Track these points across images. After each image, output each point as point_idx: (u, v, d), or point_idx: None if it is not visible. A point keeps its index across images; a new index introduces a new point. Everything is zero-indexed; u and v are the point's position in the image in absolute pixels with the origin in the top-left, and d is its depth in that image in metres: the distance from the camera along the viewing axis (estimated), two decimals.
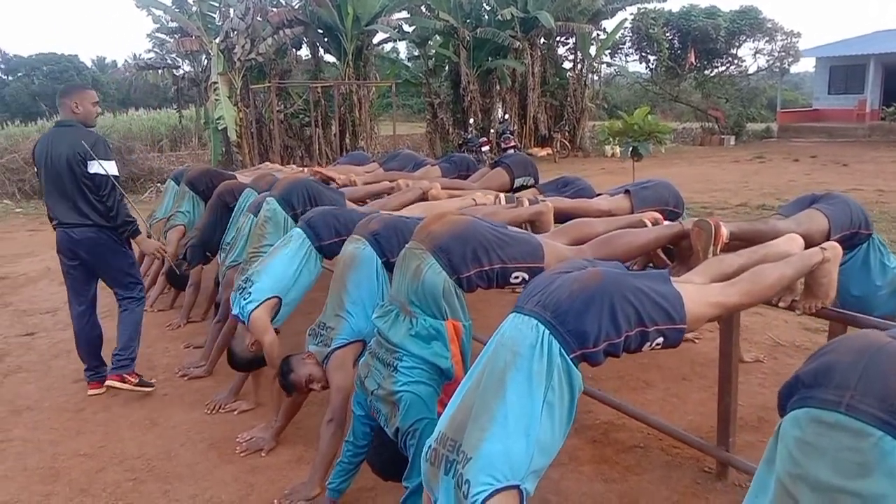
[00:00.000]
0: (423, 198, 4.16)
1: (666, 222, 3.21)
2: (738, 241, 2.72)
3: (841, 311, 2.69)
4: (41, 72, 39.89)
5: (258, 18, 16.50)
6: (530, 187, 4.79)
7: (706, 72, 26.45)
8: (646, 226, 3.10)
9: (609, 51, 24.32)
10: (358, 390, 2.83)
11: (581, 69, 22.03)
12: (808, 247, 2.55)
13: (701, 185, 13.44)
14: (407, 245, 2.77)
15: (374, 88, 19.36)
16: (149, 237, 4.86)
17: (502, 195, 3.99)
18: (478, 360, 2.06)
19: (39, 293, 7.30)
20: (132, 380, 4.46)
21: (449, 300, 2.60)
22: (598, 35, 21.97)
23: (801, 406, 1.38)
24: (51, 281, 7.67)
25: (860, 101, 25.24)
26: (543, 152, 20.55)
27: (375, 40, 19.59)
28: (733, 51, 25.98)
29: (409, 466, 2.53)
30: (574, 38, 21.64)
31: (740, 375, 3.70)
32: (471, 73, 19.76)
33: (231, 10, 16.54)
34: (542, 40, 21.02)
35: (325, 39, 18.70)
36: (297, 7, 18.10)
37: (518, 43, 19.33)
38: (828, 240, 2.75)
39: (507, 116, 20.60)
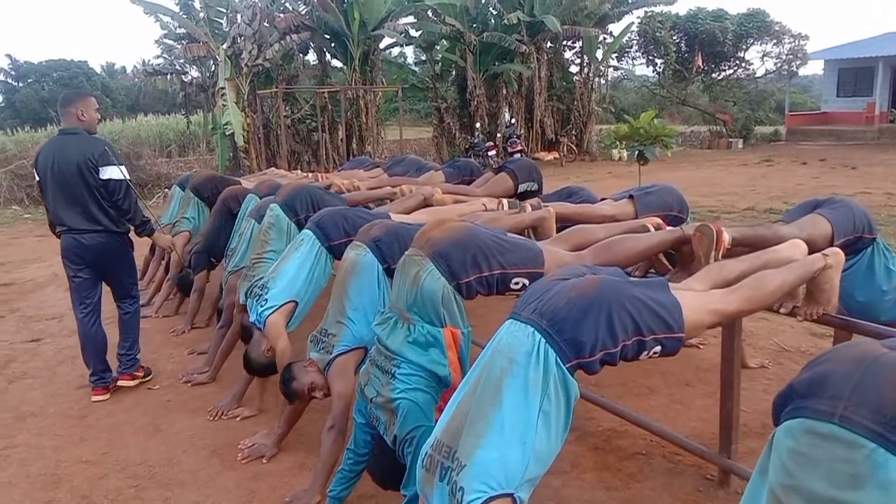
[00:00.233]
0: (425, 204, 4.15)
1: (669, 227, 3.19)
2: (741, 247, 2.70)
3: (842, 317, 2.66)
4: (51, 78, 40.11)
5: (265, 24, 16.57)
6: (534, 192, 4.78)
7: (714, 75, 26.41)
8: (648, 231, 3.09)
9: (616, 54, 24.31)
10: (358, 398, 2.82)
11: (588, 73, 22.00)
12: (811, 252, 2.53)
13: (708, 188, 13.39)
14: (406, 252, 2.76)
15: (380, 93, 19.39)
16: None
17: (505, 201, 3.98)
18: (474, 367, 2.05)
19: (46, 299, 7.33)
20: (139, 374, 4.71)
21: (448, 307, 2.59)
22: (604, 39, 21.94)
23: (795, 416, 1.36)
24: (58, 287, 7.71)
25: (869, 103, 25.11)
26: (550, 156, 20.55)
27: (382, 45, 19.62)
28: (741, 54, 25.94)
29: (406, 474, 2.52)
30: (580, 42, 21.61)
31: (745, 381, 3.69)
32: (477, 78, 19.76)
33: (238, 16, 16.61)
34: (549, 44, 20.98)
35: (332, 44, 18.75)
36: (303, 12, 18.16)
37: (524, 47, 19.30)
38: (831, 245, 2.73)
39: (513, 121, 20.61)
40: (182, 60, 18.30)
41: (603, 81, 23.54)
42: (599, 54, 21.99)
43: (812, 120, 27.16)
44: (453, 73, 21.16)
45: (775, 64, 26.09)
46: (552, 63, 21.38)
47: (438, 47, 20.90)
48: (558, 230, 3.36)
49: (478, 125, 19.99)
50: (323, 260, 3.68)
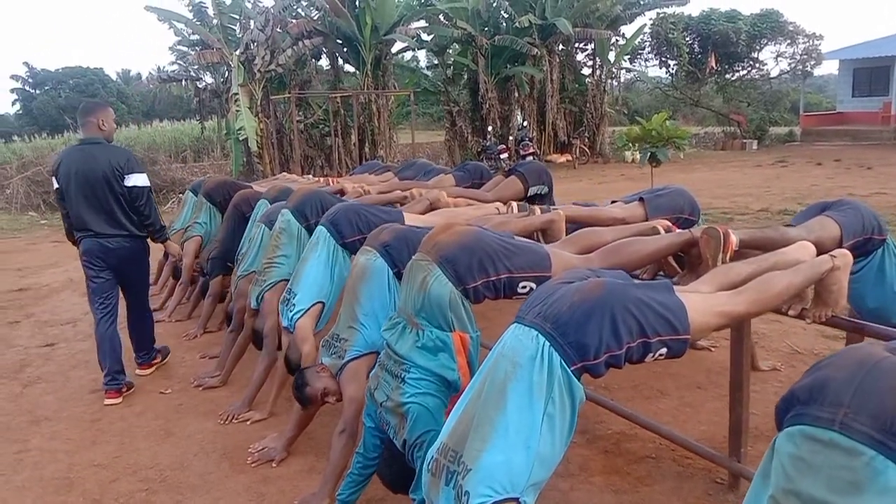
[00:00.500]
0: (431, 208, 4.16)
1: (678, 230, 3.17)
2: (749, 249, 2.69)
3: (851, 319, 2.65)
4: (67, 85, 40.57)
5: (278, 30, 16.65)
6: (545, 196, 4.77)
7: (727, 76, 26.25)
8: (657, 233, 3.07)
9: (628, 56, 24.22)
10: (368, 402, 2.83)
11: (600, 75, 21.95)
12: (820, 254, 2.51)
13: (722, 190, 13.31)
14: (413, 257, 2.77)
15: (393, 97, 19.43)
16: None
17: (514, 204, 3.98)
18: (479, 371, 2.06)
19: (61, 304, 7.40)
20: (157, 361, 5.10)
21: (456, 311, 2.59)
22: (616, 41, 21.90)
23: (796, 423, 1.36)
24: (73, 292, 7.79)
25: (885, 103, 24.83)
26: (563, 159, 20.52)
27: (394, 49, 19.65)
28: (754, 54, 25.76)
29: (415, 479, 2.52)
30: (592, 45, 21.56)
31: (756, 384, 3.67)
32: (489, 81, 19.78)
33: (251, 22, 16.70)
34: (561, 47, 20.96)
35: (345, 49, 18.82)
36: (316, 18, 18.24)
37: (536, 50, 19.28)
38: (840, 247, 2.71)
39: (525, 123, 20.58)
40: (196, 67, 18.45)
41: (615, 83, 23.52)
42: (612, 56, 21.94)
43: (827, 120, 26.93)
44: (465, 76, 21.20)
45: (789, 64, 25.94)
46: (564, 65, 21.34)
47: (450, 51, 20.96)
48: (568, 232, 3.36)
49: (490, 128, 19.99)
50: (341, 257, 3.73)
